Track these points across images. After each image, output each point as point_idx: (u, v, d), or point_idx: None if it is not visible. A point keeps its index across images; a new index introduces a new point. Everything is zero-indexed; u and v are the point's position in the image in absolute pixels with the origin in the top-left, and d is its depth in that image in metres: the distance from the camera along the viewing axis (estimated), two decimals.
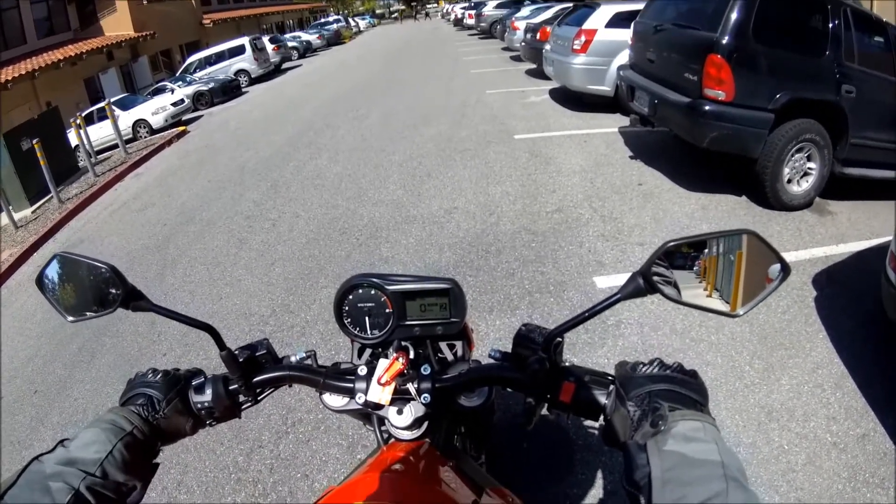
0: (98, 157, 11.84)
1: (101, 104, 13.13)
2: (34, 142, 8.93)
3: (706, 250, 0.82)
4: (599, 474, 2.45)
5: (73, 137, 11.32)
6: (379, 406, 0.96)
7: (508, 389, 0.97)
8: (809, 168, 4.75)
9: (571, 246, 4.52)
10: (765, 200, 4.83)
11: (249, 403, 1.01)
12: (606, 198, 5.39)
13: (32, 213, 9.04)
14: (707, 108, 4.63)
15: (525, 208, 5.36)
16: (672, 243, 0.80)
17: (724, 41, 4.50)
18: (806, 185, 4.79)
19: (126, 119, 13.94)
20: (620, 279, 0.80)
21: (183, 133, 13.20)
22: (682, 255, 0.82)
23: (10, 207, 8.63)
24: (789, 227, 4.55)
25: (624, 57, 7.19)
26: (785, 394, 2.82)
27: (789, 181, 4.73)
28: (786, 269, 0.78)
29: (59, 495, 0.69)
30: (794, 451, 2.49)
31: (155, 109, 14.38)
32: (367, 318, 1.05)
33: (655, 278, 0.81)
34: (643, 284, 0.81)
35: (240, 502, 2.65)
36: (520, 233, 4.86)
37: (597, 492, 2.38)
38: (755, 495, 0.60)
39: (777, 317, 3.39)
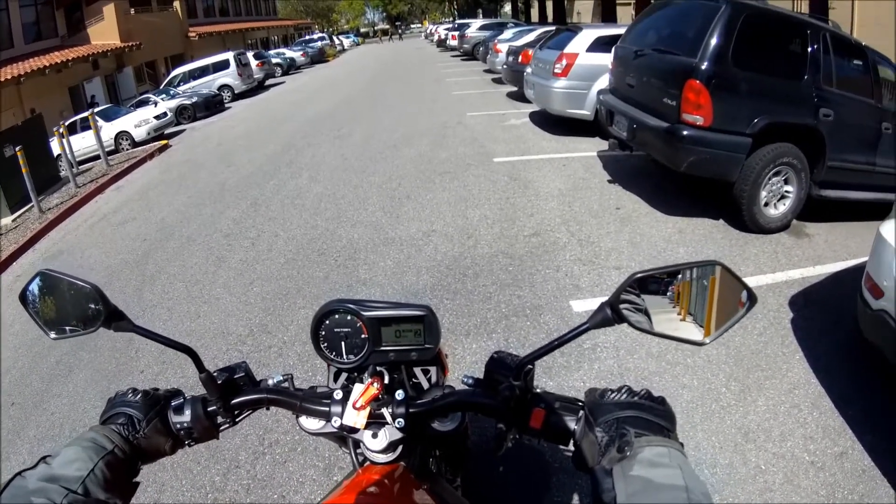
0: (80, 167, 11.71)
1: (85, 114, 13.00)
2: (17, 149, 8.75)
3: (679, 276, 0.84)
4: (575, 497, 2.45)
5: (55, 146, 11.21)
6: (354, 430, 0.96)
7: (481, 415, 0.98)
8: (786, 191, 4.84)
9: (548, 270, 4.53)
10: (742, 224, 4.90)
11: (228, 425, 1.02)
12: (584, 222, 5.43)
13: (13, 221, 8.90)
14: (685, 132, 4.69)
15: (503, 232, 5.37)
16: (640, 274, 0.83)
17: (703, 67, 4.58)
18: (783, 207, 4.88)
19: (109, 130, 13.84)
20: (597, 303, 0.82)
21: (165, 147, 13.13)
22: (656, 280, 0.84)
23: None
24: (766, 249, 4.62)
25: (604, 81, 7.27)
26: (761, 415, 2.85)
27: (766, 204, 4.81)
28: (752, 299, 0.80)
29: None
30: (772, 471, 2.52)
31: (138, 122, 14.30)
32: (343, 343, 1.06)
33: (625, 306, 0.83)
34: (610, 314, 0.83)
35: None
36: (497, 256, 4.86)
37: None
38: None
39: (753, 339, 3.44)
